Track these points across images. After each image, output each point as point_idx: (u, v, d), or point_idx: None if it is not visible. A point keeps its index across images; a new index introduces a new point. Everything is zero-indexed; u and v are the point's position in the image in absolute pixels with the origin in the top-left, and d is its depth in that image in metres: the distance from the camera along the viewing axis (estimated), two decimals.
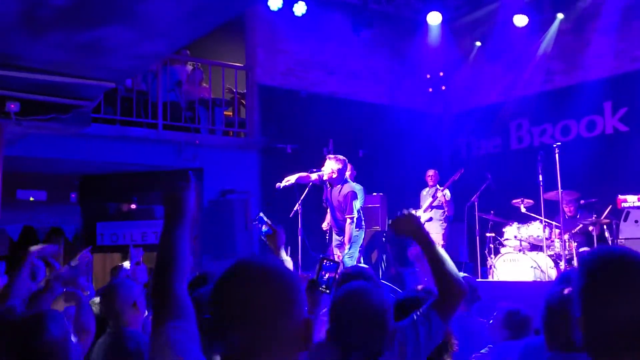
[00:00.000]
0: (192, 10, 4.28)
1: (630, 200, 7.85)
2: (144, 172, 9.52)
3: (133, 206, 9.87)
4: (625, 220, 7.58)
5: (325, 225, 8.08)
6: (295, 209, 7.31)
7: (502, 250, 8.33)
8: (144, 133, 9.15)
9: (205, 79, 10.46)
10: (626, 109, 9.71)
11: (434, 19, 10.94)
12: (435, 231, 9.27)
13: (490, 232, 8.62)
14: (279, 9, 10.10)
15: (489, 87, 11.56)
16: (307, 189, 7.35)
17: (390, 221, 2.76)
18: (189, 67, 10.40)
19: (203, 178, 9.40)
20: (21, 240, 9.25)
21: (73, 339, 3.03)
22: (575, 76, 10.41)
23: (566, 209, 8.38)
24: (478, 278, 7.97)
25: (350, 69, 11.19)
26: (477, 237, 8.74)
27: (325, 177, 7.41)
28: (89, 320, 3.43)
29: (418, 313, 2.44)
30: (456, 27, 11.74)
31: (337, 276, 3.46)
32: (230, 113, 10.85)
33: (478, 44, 11.62)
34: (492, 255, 8.37)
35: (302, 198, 7.28)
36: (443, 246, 9.19)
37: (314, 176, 7.40)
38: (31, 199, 9.62)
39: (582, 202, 8.60)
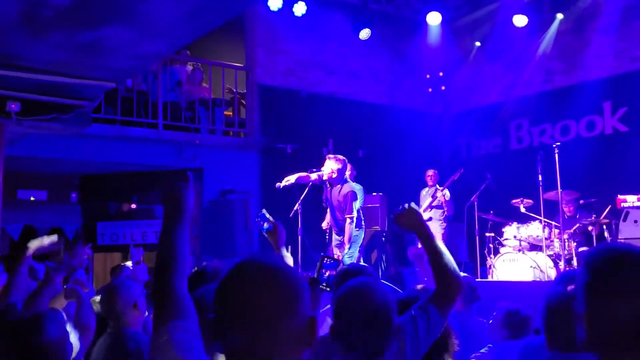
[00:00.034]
0: (192, 10, 4.29)
1: (630, 200, 7.86)
2: (144, 172, 9.53)
3: (133, 206, 9.89)
4: (624, 220, 7.58)
5: (325, 225, 8.09)
6: (295, 208, 7.32)
7: (502, 250, 8.34)
8: (144, 133, 9.16)
9: (206, 79, 10.47)
10: (626, 109, 9.72)
11: (434, 19, 10.94)
12: (435, 231, 9.28)
13: (489, 232, 8.63)
14: (279, 9, 10.10)
15: (488, 87, 11.57)
16: (307, 188, 7.36)
17: (392, 214, 2.76)
18: (189, 67, 10.41)
19: (203, 178, 9.42)
20: (22, 239, 9.26)
21: (74, 336, 3.04)
22: (575, 76, 10.42)
23: (566, 209, 8.39)
24: (477, 278, 7.98)
25: (350, 69, 11.20)
26: (477, 237, 8.75)
27: (325, 177, 7.41)
28: (90, 316, 3.44)
29: (416, 307, 2.44)
30: (456, 27, 11.75)
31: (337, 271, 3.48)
32: (230, 113, 10.87)
33: (478, 44, 11.63)
34: (492, 255, 8.38)
35: (302, 198, 7.29)
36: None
37: (313, 176, 7.41)
38: (32, 198, 9.63)
39: (581, 202, 8.61)
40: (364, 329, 2.26)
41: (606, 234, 7.91)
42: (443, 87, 12.18)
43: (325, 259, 3.72)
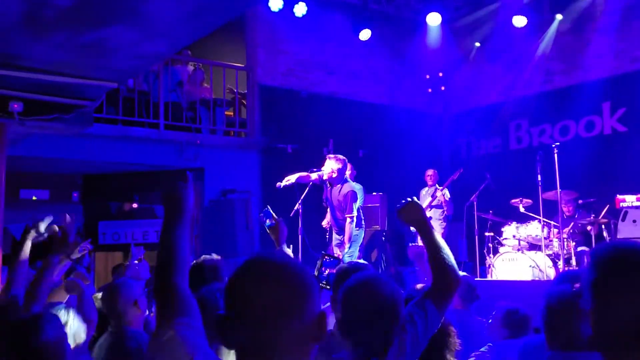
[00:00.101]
0: (193, 10, 4.30)
1: (629, 200, 7.87)
2: (145, 171, 9.55)
3: (135, 205, 9.91)
4: (623, 220, 7.60)
5: (325, 223, 8.12)
6: (295, 208, 7.34)
7: (501, 249, 8.37)
8: (146, 133, 9.18)
9: (207, 79, 10.50)
10: (625, 109, 9.75)
11: (434, 19, 10.96)
12: (435, 230, 9.29)
13: (489, 232, 8.65)
14: (280, 10, 10.13)
15: (488, 87, 11.59)
16: (307, 188, 7.38)
17: (397, 207, 2.78)
18: (190, 68, 10.44)
19: (204, 178, 9.44)
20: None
21: (80, 325, 3.07)
22: (575, 77, 10.44)
23: (565, 209, 8.41)
24: (477, 277, 8.01)
25: (351, 69, 11.22)
26: (476, 237, 8.78)
27: (325, 177, 7.44)
28: (92, 310, 3.46)
29: (413, 304, 2.44)
30: (456, 28, 11.77)
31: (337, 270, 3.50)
32: (231, 113, 10.89)
33: (477, 44, 11.64)
34: (491, 255, 8.41)
35: (302, 197, 7.31)
36: None
37: (314, 176, 7.43)
38: (34, 198, 9.65)
39: (580, 202, 8.63)
40: (372, 321, 2.26)
41: (605, 234, 7.94)
42: (443, 88, 12.21)
43: (326, 257, 3.75)
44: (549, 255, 7.85)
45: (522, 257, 7.86)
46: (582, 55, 10.32)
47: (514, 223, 8.42)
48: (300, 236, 7.36)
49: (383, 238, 9.96)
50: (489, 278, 8.13)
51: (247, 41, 10.69)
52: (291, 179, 7.27)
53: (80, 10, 4.07)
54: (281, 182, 7.29)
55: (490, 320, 4.15)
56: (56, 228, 3.28)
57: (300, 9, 10.28)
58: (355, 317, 2.29)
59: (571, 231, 8.07)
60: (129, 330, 3.39)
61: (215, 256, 3.97)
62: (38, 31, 4.38)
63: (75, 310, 3.17)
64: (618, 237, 7.59)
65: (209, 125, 9.99)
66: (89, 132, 7.01)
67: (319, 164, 7.64)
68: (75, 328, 3.00)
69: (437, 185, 9.53)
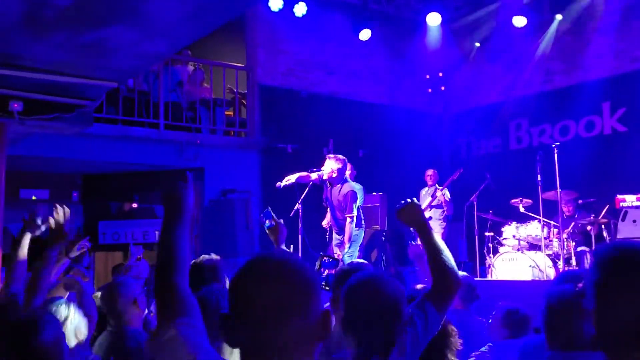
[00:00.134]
0: (193, 10, 4.31)
1: (629, 199, 7.87)
2: (145, 171, 9.56)
3: (135, 205, 9.91)
4: (623, 219, 7.60)
5: (325, 223, 8.12)
6: (295, 208, 7.35)
7: (501, 249, 8.37)
8: (146, 133, 9.19)
9: (207, 79, 10.50)
10: (625, 109, 9.75)
11: (434, 19, 10.97)
12: (435, 230, 9.18)
13: (489, 232, 8.65)
14: (280, 10, 10.14)
15: (488, 87, 11.60)
16: (307, 188, 7.39)
17: (396, 207, 2.77)
18: (190, 68, 10.44)
19: (204, 178, 9.44)
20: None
21: (82, 321, 3.07)
22: (575, 76, 10.45)
23: (564, 209, 8.42)
24: (477, 277, 8.01)
25: (351, 69, 11.23)
26: (476, 237, 8.78)
27: (325, 177, 7.45)
28: (92, 307, 3.46)
29: (413, 306, 2.43)
30: (456, 28, 11.77)
31: (336, 271, 3.50)
32: (231, 113, 10.89)
33: (477, 44, 11.65)
34: (491, 255, 8.41)
35: (302, 197, 7.32)
36: None
37: (314, 176, 7.44)
38: (34, 197, 9.65)
39: (580, 201, 8.64)
40: (374, 320, 2.26)
41: (605, 234, 7.94)
42: (443, 88, 12.22)
43: (325, 258, 3.75)
44: (548, 255, 7.85)
45: (522, 257, 7.87)
46: (582, 55, 10.33)
47: (514, 223, 8.42)
48: (300, 236, 7.37)
49: (383, 238, 9.96)
50: (489, 278, 8.13)
51: (247, 41, 10.69)
52: (291, 178, 7.28)
53: (80, 10, 4.08)
54: (281, 182, 7.29)
55: (490, 320, 4.15)
56: (52, 221, 3.27)
57: (300, 9, 10.29)
58: (358, 315, 2.29)
59: (571, 231, 8.07)
60: (128, 329, 3.39)
61: (214, 256, 3.97)
62: (38, 31, 4.39)
63: (76, 305, 3.17)
64: (618, 237, 7.59)
65: (209, 125, 9.99)
66: (89, 131, 7.02)
67: (319, 164, 7.65)
68: (76, 323, 2.99)
69: (437, 185, 9.54)
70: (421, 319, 2.38)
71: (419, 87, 11.97)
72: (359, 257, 7.38)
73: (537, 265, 7.69)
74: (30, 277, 3.20)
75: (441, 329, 2.49)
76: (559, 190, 7.71)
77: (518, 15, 10.32)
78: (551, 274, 7.59)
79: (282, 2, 10.08)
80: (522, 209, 8.45)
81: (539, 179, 7.85)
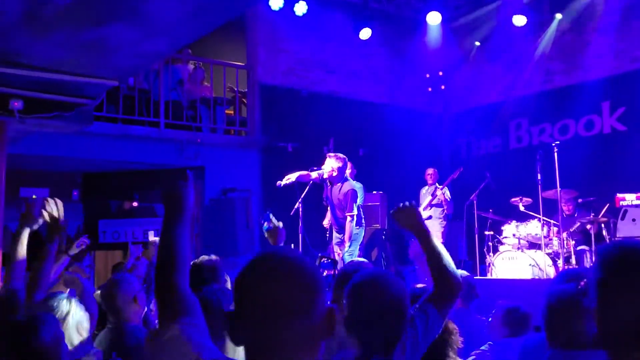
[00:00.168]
0: (194, 10, 4.31)
1: (629, 198, 7.87)
2: (145, 170, 9.56)
3: (135, 204, 9.91)
4: (622, 218, 7.60)
5: (326, 222, 8.13)
6: (295, 207, 7.36)
7: (501, 248, 8.37)
8: (146, 131, 9.19)
9: (207, 78, 10.50)
10: (624, 108, 9.76)
11: (434, 18, 10.97)
12: (435, 229, 9.32)
13: (489, 231, 8.65)
14: (280, 9, 10.14)
15: (488, 86, 11.60)
16: (307, 187, 7.40)
17: (391, 211, 2.77)
18: (191, 66, 10.44)
19: (204, 176, 9.44)
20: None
21: (84, 316, 3.07)
22: (574, 76, 10.46)
23: (564, 208, 8.42)
24: (477, 276, 8.01)
25: (351, 69, 11.23)
26: (476, 235, 8.79)
27: (325, 176, 7.45)
28: (92, 303, 3.46)
29: (415, 307, 2.43)
30: (456, 27, 11.78)
31: (335, 273, 3.50)
32: (232, 112, 10.90)
33: (477, 43, 11.65)
34: (491, 253, 8.41)
35: (302, 196, 7.33)
36: (442, 244, 9.22)
37: (314, 174, 7.44)
38: (34, 196, 9.63)
39: (580, 200, 8.64)
40: (379, 318, 2.25)
41: (604, 233, 7.94)
42: (443, 87, 12.22)
43: (323, 259, 3.76)
44: (548, 254, 7.85)
45: (522, 255, 7.87)
46: (581, 54, 10.33)
47: (514, 222, 8.42)
48: (300, 235, 7.37)
49: (383, 237, 9.97)
50: (488, 277, 8.13)
51: (247, 40, 10.70)
52: (291, 177, 7.28)
53: (80, 9, 4.08)
54: (281, 180, 7.29)
55: (490, 319, 4.16)
56: (46, 214, 3.27)
57: (300, 8, 10.29)
58: (362, 314, 2.28)
59: (571, 230, 8.07)
60: (128, 326, 3.39)
61: (213, 257, 3.98)
62: (38, 29, 4.39)
63: (77, 300, 3.17)
64: (617, 235, 7.60)
65: (209, 124, 9.99)
66: (89, 130, 7.03)
67: (319, 163, 7.65)
68: (78, 317, 3.00)
69: (437, 184, 9.55)
70: (422, 321, 2.38)
71: (419, 86, 11.97)
72: (359, 256, 7.38)
73: (537, 264, 7.69)
74: (31, 273, 3.20)
75: (442, 327, 2.50)
76: (558, 189, 7.71)
77: (518, 14, 10.33)
78: (551, 272, 7.59)
79: (282, 1, 10.09)
80: (522, 208, 8.45)
81: (539, 178, 7.85)
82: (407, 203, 2.70)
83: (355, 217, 7.33)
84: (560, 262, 7.64)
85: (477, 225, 8.83)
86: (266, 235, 3.64)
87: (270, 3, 10.00)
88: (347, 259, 7.14)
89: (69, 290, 3.60)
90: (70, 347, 2.89)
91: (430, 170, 9.72)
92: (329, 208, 7.80)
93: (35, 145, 7.86)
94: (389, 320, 2.28)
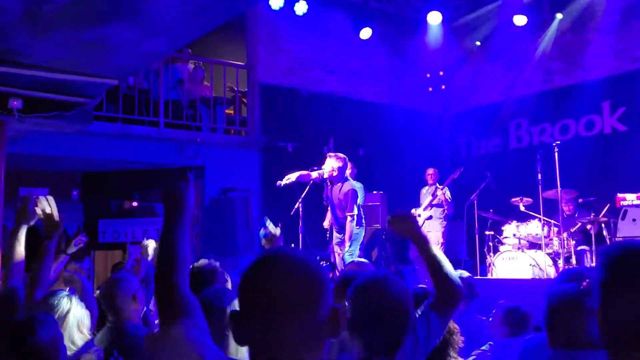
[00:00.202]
0: (194, 9, 4.31)
1: (629, 198, 7.87)
2: (145, 170, 9.55)
3: (135, 204, 9.89)
4: (623, 218, 7.60)
5: (326, 224, 8.12)
6: (296, 207, 7.36)
7: (501, 248, 8.37)
8: (146, 131, 9.18)
9: (207, 78, 10.50)
10: (625, 108, 9.76)
11: (434, 18, 10.98)
12: (435, 229, 9.33)
13: (489, 231, 8.66)
14: (280, 8, 10.13)
15: (488, 86, 11.60)
16: (307, 187, 7.39)
17: (388, 217, 2.74)
18: (191, 66, 10.43)
19: (204, 176, 9.44)
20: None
21: (85, 313, 3.06)
22: (575, 76, 10.46)
23: (565, 208, 8.42)
24: (477, 276, 8.01)
25: (351, 68, 11.23)
26: (477, 235, 8.79)
27: (325, 175, 7.45)
28: (92, 301, 3.46)
29: (417, 314, 2.43)
30: (456, 27, 11.78)
31: (334, 276, 3.50)
32: (232, 111, 10.89)
33: (478, 43, 11.65)
34: (491, 253, 8.41)
35: (302, 196, 7.33)
36: (443, 244, 9.25)
37: (314, 174, 7.44)
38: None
39: (580, 200, 8.64)
40: (382, 320, 2.25)
41: (605, 233, 7.94)
42: (443, 87, 12.21)
43: (321, 262, 3.76)
44: (549, 254, 7.85)
45: (523, 255, 7.87)
46: (582, 54, 10.33)
47: (514, 222, 8.42)
48: (300, 235, 7.37)
49: (383, 237, 9.96)
50: (489, 277, 8.13)
51: (247, 39, 10.69)
52: (292, 177, 7.28)
53: (80, 8, 4.07)
54: (281, 180, 7.29)
55: (490, 319, 4.16)
56: (39, 212, 3.26)
57: (300, 8, 10.29)
58: (366, 316, 2.27)
59: (571, 230, 8.07)
60: (127, 325, 3.39)
61: (212, 261, 3.99)
62: (38, 28, 4.38)
63: (78, 297, 3.16)
64: (618, 235, 7.59)
65: (209, 124, 9.99)
66: (89, 130, 7.02)
67: (319, 163, 7.65)
68: (78, 315, 2.99)
69: (437, 184, 9.55)
70: (424, 328, 2.39)
71: (419, 86, 11.97)
72: (359, 256, 7.38)
73: (538, 264, 7.69)
74: (30, 271, 3.19)
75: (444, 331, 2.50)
76: (559, 189, 7.71)
77: (518, 14, 10.33)
78: (551, 272, 7.60)
79: (282, 1, 10.08)
80: (522, 208, 8.45)
81: (539, 178, 7.86)
82: (404, 210, 2.69)
83: (355, 217, 7.33)
84: (560, 262, 7.64)
85: (477, 225, 8.83)
86: (263, 242, 3.67)
87: (271, 2, 10.00)
88: (348, 258, 7.13)
89: (69, 288, 3.59)
90: (71, 345, 2.89)
91: (430, 171, 9.71)
92: (329, 208, 7.79)
93: (35, 145, 7.86)
94: (393, 323, 2.27)
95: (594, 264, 7.49)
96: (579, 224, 8.21)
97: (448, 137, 12.37)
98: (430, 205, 9.40)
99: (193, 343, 1.52)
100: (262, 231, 3.66)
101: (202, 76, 10.35)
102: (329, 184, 7.54)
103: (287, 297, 1.33)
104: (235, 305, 2.60)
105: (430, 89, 12.13)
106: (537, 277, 7.59)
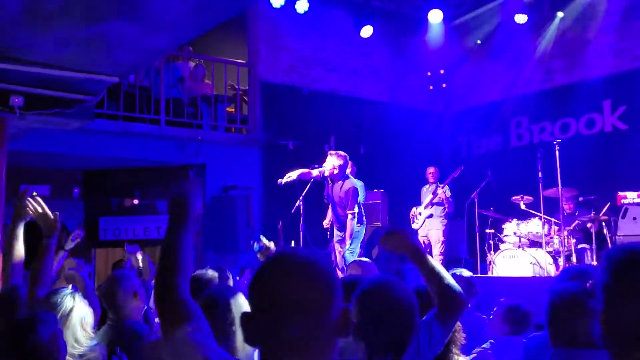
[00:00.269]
0: (196, 6, 4.31)
1: (630, 196, 7.88)
2: (146, 167, 9.54)
3: (136, 201, 9.89)
4: (623, 217, 7.61)
5: (326, 223, 8.12)
6: (297, 204, 7.36)
7: (502, 246, 8.38)
8: (147, 129, 9.18)
9: (208, 76, 10.50)
10: (625, 107, 9.75)
11: (435, 16, 10.97)
12: (436, 228, 9.33)
13: (490, 229, 8.67)
14: (281, 6, 10.13)
15: (489, 85, 11.59)
16: (308, 185, 7.39)
17: (380, 239, 2.67)
18: (192, 64, 10.43)
19: (205, 174, 9.44)
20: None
21: (88, 310, 3.07)
22: (575, 74, 10.45)
23: (565, 206, 8.42)
24: (477, 274, 8.01)
25: (352, 67, 11.22)
26: (477, 234, 8.80)
27: (326, 173, 7.45)
28: (93, 298, 3.46)
29: (422, 321, 2.43)
30: (457, 25, 11.77)
31: None
32: (233, 109, 10.89)
33: (479, 42, 11.64)
34: (492, 252, 8.42)
35: (303, 194, 7.32)
36: (443, 242, 9.26)
37: (315, 172, 7.43)
38: (34, 194, 9.62)
39: (581, 199, 8.65)
40: (388, 324, 2.26)
41: (605, 231, 7.94)
42: (444, 85, 12.20)
43: None
44: (549, 252, 7.86)
45: (523, 254, 7.87)
46: (582, 53, 10.32)
47: (515, 220, 8.43)
48: (301, 233, 7.37)
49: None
50: (489, 275, 8.14)
51: (248, 37, 10.69)
52: (292, 175, 7.28)
53: (80, 4, 4.08)
54: (282, 178, 7.29)
55: (491, 317, 4.16)
56: (30, 212, 3.27)
57: (301, 6, 10.28)
58: (371, 320, 2.28)
59: (571, 228, 8.08)
60: (128, 322, 3.39)
61: (210, 271, 4.01)
62: (39, 24, 4.38)
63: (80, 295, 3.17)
64: (618, 234, 7.60)
65: (210, 122, 9.99)
66: (90, 127, 7.01)
67: (320, 161, 7.65)
68: (81, 313, 3.00)
69: (438, 183, 9.55)
70: (426, 336, 2.39)
71: (420, 84, 11.96)
72: (360, 254, 7.39)
73: (538, 262, 7.70)
74: (32, 269, 3.20)
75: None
76: (560, 187, 7.71)
77: (519, 13, 10.32)
78: (552, 270, 7.60)
79: None
80: (522, 206, 8.46)
81: (540, 176, 7.86)
82: (394, 227, 2.67)
83: (356, 215, 7.33)
84: (561, 261, 7.65)
85: (478, 223, 8.83)
86: (258, 255, 3.71)
87: (272, 0, 9.99)
88: (348, 256, 7.14)
89: (71, 286, 3.60)
90: (74, 343, 2.89)
91: (431, 169, 9.71)
92: (329, 206, 7.80)
93: (36, 143, 7.86)
94: (397, 325, 2.28)
95: (594, 262, 7.50)
96: (580, 222, 8.21)
97: (449, 136, 12.36)
98: (431, 203, 9.40)
99: (198, 345, 1.53)
100: (256, 245, 3.70)
101: (203, 74, 10.34)
102: (329, 182, 7.54)
103: (300, 298, 1.34)
104: (239, 300, 2.61)
105: (431, 87, 12.12)
106: (537, 276, 7.60)
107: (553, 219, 8.13)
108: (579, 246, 8.00)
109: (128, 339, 3.29)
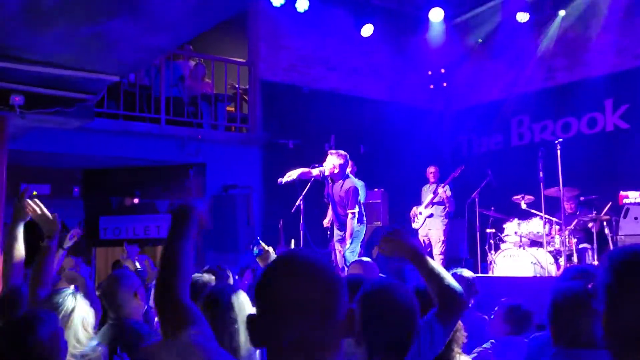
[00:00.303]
0: (196, 5, 4.30)
1: (632, 196, 7.87)
2: (146, 166, 9.54)
3: (136, 200, 9.89)
4: (624, 217, 7.60)
5: (326, 222, 8.11)
6: (297, 204, 7.35)
7: (503, 246, 8.36)
8: (147, 128, 9.17)
9: (208, 75, 10.49)
10: (627, 106, 9.73)
11: (436, 15, 10.95)
12: (436, 227, 9.33)
13: (490, 228, 8.66)
14: (282, 5, 10.12)
15: (490, 84, 11.58)
16: (308, 184, 7.38)
17: (377, 245, 2.71)
18: (192, 63, 10.42)
19: (205, 173, 9.43)
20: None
21: (89, 310, 3.06)
22: (577, 73, 10.43)
23: (566, 206, 8.40)
24: (478, 273, 8.00)
25: (352, 65, 11.21)
26: (478, 233, 8.79)
27: (326, 173, 7.44)
28: (94, 298, 3.45)
29: (422, 322, 2.42)
30: (458, 24, 11.75)
31: None
32: (233, 108, 10.88)
33: (480, 40, 11.63)
34: (493, 251, 8.41)
35: (303, 193, 7.32)
36: (444, 242, 9.25)
37: (315, 171, 7.42)
38: (34, 193, 9.61)
39: (582, 198, 8.63)
40: (390, 326, 2.26)
41: (606, 231, 7.93)
42: (445, 84, 12.19)
43: None
44: (550, 252, 7.84)
45: (524, 253, 7.86)
46: (584, 51, 10.31)
47: (516, 220, 8.41)
48: (302, 232, 7.36)
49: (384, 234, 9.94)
50: (490, 274, 8.12)
51: (248, 36, 10.68)
52: (292, 174, 7.27)
53: (80, 2, 4.07)
54: (282, 177, 7.28)
55: (492, 316, 4.15)
56: (31, 214, 3.26)
57: (302, 4, 10.26)
58: (374, 321, 2.28)
59: (573, 228, 8.06)
60: (128, 322, 3.38)
61: (206, 275, 4.00)
62: (38, 23, 4.37)
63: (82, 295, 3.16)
64: (620, 233, 7.59)
65: (210, 121, 9.98)
66: (90, 126, 7.01)
67: (320, 160, 7.64)
68: (83, 313, 2.99)
69: (438, 182, 9.54)
70: (426, 337, 2.39)
71: (420, 83, 11.94)
72: (360, 254, 7.38)
73: (539, 262, 7.68)
74: (33, 270, 3.19)
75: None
76: (561, 187, 7.70)
77: (521, 11, 10.31)
78: (552, 270, 7.59)
79: None
80: (523, 206, 8.44)
81: (541, 175, 7.85)
82: (391, 231, 2.65)
83: (356, 215, 7.31)
84: (562, 260, 7.63)
85: (478, 223, 8.82)
86: (257, 260, 3.72)
87: None
88: (349, 256, 7.13)
89: (73, 286, 3.59)
90: (76, 343, 2.88)
91: (432, 169, 9.70)
92: (330, 205, 7.79)
93: (36, 142, 7.85)
94: (399, 328, 2.28)
95: (595, 262, 7.49)
96: (581, 221, 8.19)
97: (449, 135, 12.35)
98: (432, 203, 9.39)
99: (202, 349, 1.53)
100: (255, 249, 3.71)
101: (203, 73, 10.34)
102: (330, 181, 7.53)
103: (306, 299, 1.34)
104: (240, 298, 2.60)
105: (432, 87, 12.11)
106: (538, 275, 7.58)
107: (554, 219, 8.11)
108: (580, 246, 7.99)
109: (129, 339, 3.28)
